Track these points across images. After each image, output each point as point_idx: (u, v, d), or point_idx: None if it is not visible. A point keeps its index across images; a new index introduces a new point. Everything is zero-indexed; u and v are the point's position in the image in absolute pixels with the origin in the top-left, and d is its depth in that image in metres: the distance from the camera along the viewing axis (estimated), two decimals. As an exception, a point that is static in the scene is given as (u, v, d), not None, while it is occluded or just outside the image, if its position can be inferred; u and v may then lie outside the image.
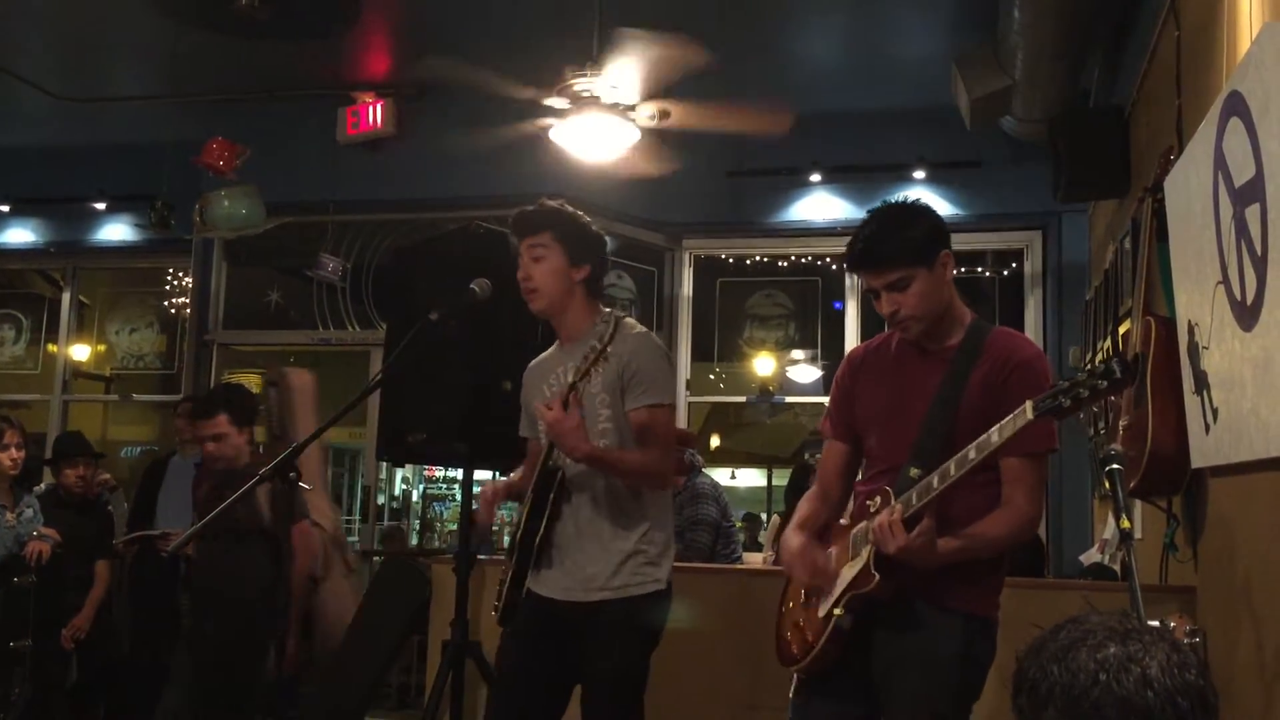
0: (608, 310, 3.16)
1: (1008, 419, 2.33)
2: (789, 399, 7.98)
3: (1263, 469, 2.68)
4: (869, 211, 2.68)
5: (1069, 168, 5.10)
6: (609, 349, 2.90)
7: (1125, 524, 2.50)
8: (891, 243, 2.58)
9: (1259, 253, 2.46)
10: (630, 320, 3.13)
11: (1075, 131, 5.15)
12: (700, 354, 7.72)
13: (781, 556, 2.77)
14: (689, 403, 7.63)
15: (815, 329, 7.65)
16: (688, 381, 7.60)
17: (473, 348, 3.63)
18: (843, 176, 7.13)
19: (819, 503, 2.82)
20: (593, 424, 3.00)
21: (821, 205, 7.27)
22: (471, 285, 3.07)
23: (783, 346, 7.80)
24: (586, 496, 3.03)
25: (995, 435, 2.35)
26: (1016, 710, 1.26)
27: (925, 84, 6.10)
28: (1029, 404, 2.28)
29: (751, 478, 15.62)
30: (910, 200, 2.73)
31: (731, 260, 7.71)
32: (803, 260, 7.57)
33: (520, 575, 3.05)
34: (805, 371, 7.87)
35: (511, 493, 3.25)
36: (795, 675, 2.70)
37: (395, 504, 11.78)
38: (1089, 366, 2.28)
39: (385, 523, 11.26)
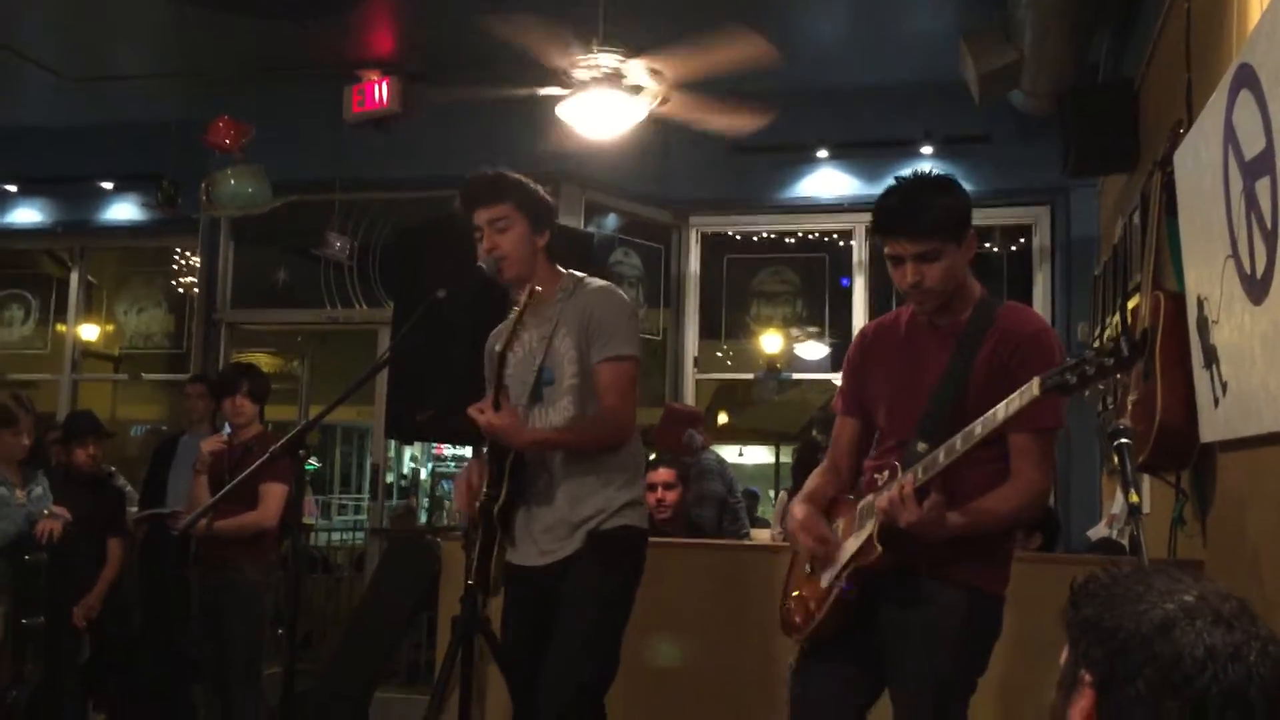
0: (568, 273, 3.19)
1: (1014, 395, 2.32)
2: (796, 376, 7.96)
3: (1272, 442, 2.68)
4: (899, 178, 2.64)
5: (1078, 142, 5.07)
6: (547, 309, 2.95)
7: (1134, 499, 2.50)
8: (931, 212, 2.54)
9: (1269, 226, 2.45)
10: (592, 278, 3.16)
11: (1084, 105, 5.11)
12: (708, 331, 7.72)
13: (787, 526, 2.78)
14: (696, 380, 7.63)
15: (822, 306, 7.63)
16: (695, 359, 7.60)
17: (479, 325, 3.63)
18: (850, 153, 7.11)
19: (829, 476, 2.83)
20: (560, 380, 3.05)
21: (829, 181, 7.25)
22: (478, 263, 3.07)
23: (790, 323, 7.79)
24: (541, 460, 3.06)
25: (1001, 411, 2.35)
26: (1090, 662, 1.20)
27: (932, 59, 6.06)
28: (1036, 381, 2.28)
29: (759, 454, 15.64)
30: (938, 174, 2.70)
31: (739, 237, 7.70)
32: (810, 237, 7.56)
33: (488, 545, 3.07)
34: (813, 348, 7.86)
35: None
36: (798, 645, 2.71)
37: (404, 482, 11.82)
38: (1097, 344, 2.26)
39: (395, 500, 11.31)
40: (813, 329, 7.75)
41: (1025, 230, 7.15)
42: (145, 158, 7.58)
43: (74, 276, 8.57)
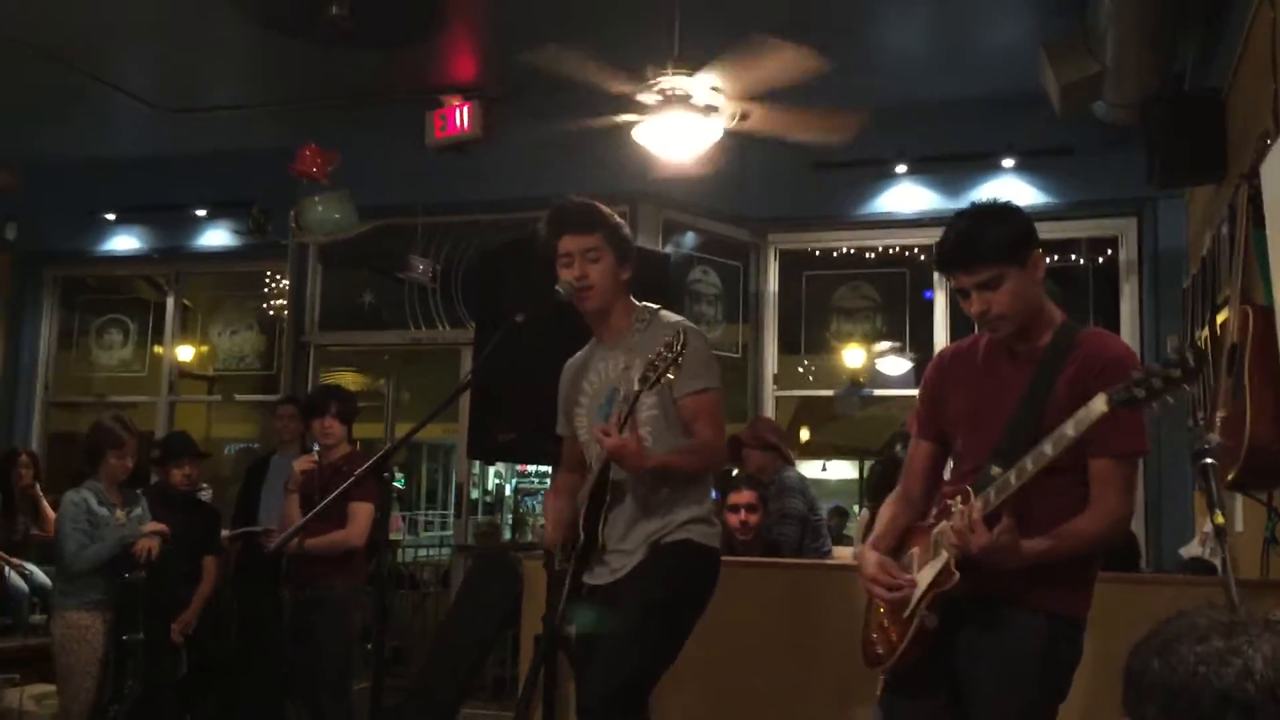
0: (642, 305, 3.22)
1: (1081, 410, 2.30)
2: (878, 392, 7.91)
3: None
4: (957, 212, 2.67)
5: (1163, 153, 4.99)
6: (630, 342, 3.01)
7: (1219, 520, 2.46)
8: (984, 241, 2.56)
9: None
10: (666, 312, 3.19)
11: (1169, 116, 5.03)
12: (787, 348, 7.70)
13: (860, 574, 2.77)
14: (776, 397, 7.62)
15: (903, 321, 7.58)
16: (775, 375, 7.59)
17: (559, 346, 3.68)
18: (930, 167, 7.06)
19: (900, 505, 2.82)
20: (638, 411, 3.06)
21: (908, 196, 7.21)
22: (556, 287, 3.12)
23: (870, 339, 7.75)
24: (630, 495, 3.11)
25: (1070, 429, 2.33)
26: (1126, 707, 1.23)
27: (1012, 71, 5.99)
28: (1102, 395, 2.25)
29: (843, 470, 15.52)
30: (999, 200, 2.72)
31: (818, 253, 7.68)
32: (890, 252, 7.51)
33: (582, 569, 3.13)
34: (895, 364, 7.80)
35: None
36: (881, 676, 2.70)
37: (489, 498, 11.95)
38: (1167, 357, 2.23)
39: (479, 517, 11.43)
40: (895, 344, 7.70)
41: (1111, 242, 7.03)
42: (237, 185, 7.83)
43: (170, 301, 8.85)
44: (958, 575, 2.48)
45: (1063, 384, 2.54)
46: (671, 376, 2.93)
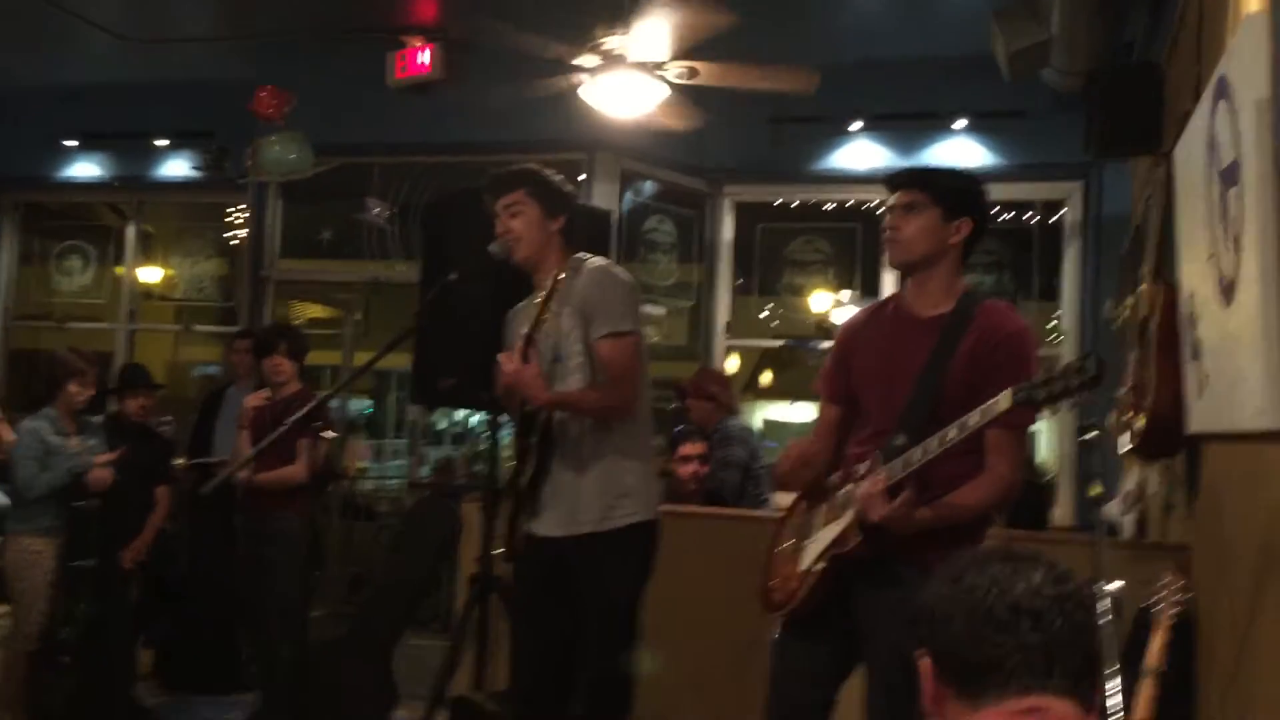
0: (576, 255, 3.34)
1: (989, 403, 2.47)
2: (824, 345, 8.06)
3: (1238, 440, 2.79)
4: None
5: (1101, 123, 5.09)
6: (560, 291, 3.13)
7: (1095, 490, 2.65)
8: (927, 173, 2.86)
9: (1236, 235, 2.55)
10: (594, 258, 3.32)
11: (1109, 87, 5.10)
12: (741, 297, 7.84)
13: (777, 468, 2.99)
14: (727, 345, 7.78)
15: (853, 275, 7.72)
16: (727, 324, 7.74)
17: (502, 297, 3.80)
18: (884, 125, 7.15)
19: (811, 452, 3.01)
20: (568, 360, 3.20)
21: (863, 153, 7.30)
22: (490, 247, 3.24)
23: (823, 290, 7.89)
24: (564, 436, 3.24)
25: (975, 417, 2.50)
26: (923, 643, 1.39)
27: (967, 33, 6.04)
28: (1008, 393, 2.42)
29: (809, 411, 15.71)
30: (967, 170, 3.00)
31: (774, 206, 7.79)
32: (845, 206, 7.63)
33: (516, 514, 3.28)
34: (850, 314, 7.92)
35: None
36: (779, 620, 2.89)
37: (457, 428, 12.03)
38: (1072, 362, 2.41)
39: (446, 448, 11.53)
40: (854, 292, 7.82)
41: (1058, 205, 7.17)
42: (199, 116, 7.83)
43: (131, 228, 8.86)
44: (859, 539, 2.66)
45: (961, 354, 2.71)
46: (546, 318, 3.07)
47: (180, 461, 6.17)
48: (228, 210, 8.66)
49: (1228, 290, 2.66)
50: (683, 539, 4.13)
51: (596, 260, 3.34)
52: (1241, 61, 2.45)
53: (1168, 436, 3.54)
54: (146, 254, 8.98)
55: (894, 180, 2.88)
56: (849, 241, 7.67)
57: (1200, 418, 3.19)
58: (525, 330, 3.12)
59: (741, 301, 7.88)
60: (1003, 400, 2.43)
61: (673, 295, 7.79)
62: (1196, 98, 3.74)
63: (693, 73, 5.15)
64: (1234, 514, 3.01)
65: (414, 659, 5.06)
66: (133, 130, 8.33)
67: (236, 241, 8.63)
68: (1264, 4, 2.42)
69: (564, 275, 3.27)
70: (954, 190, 2.83)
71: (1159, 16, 5.35)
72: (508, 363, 3.11)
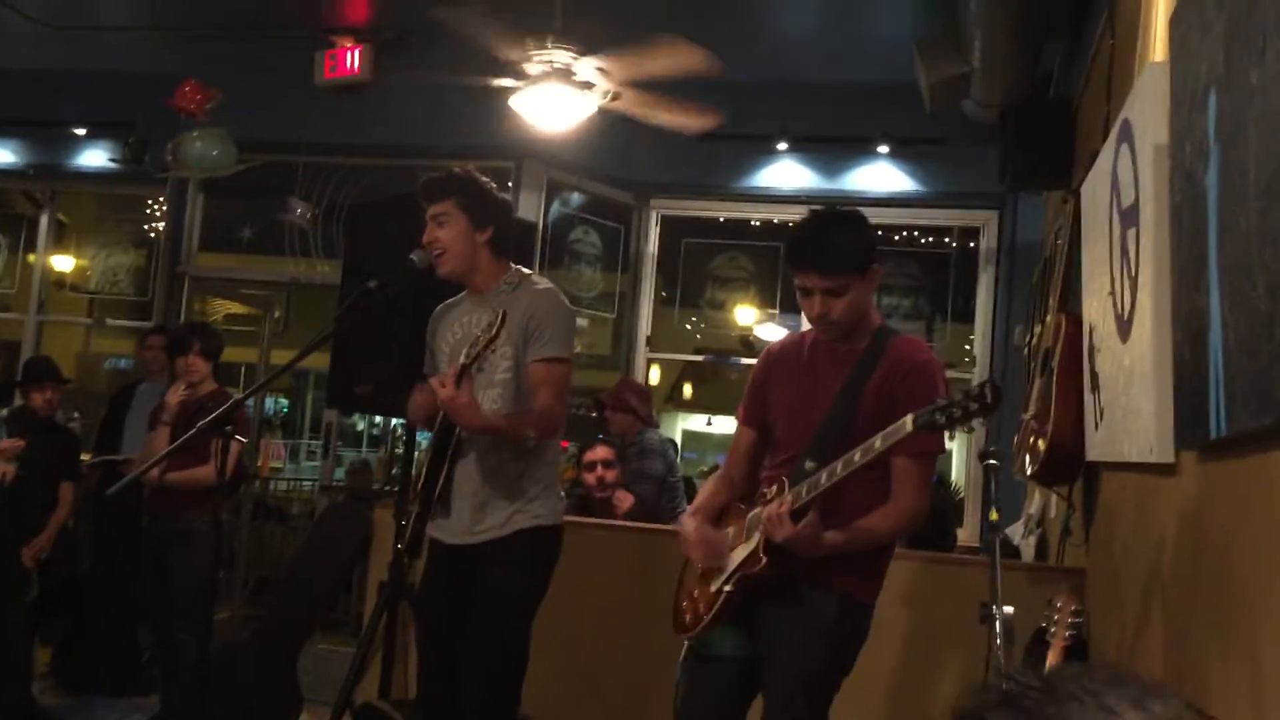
0: (515, 268, 3.35)
1: (891, 428, 2.53)
2: (745, 361, 8.17)
3: (1131, 469, 2.90)
4: (812, 211, 2.87)
5: (1015, 158, 5.25)
6: (496, 303, 3.12)
7: (994, 516, 2.73)
8: (838, 248, 2.75)
9: (1133, 274, 2.65)
10: (537, 276, 3.34)
11: (1024, 122, 5.29)
12: (663, 310, 7.90)
13: (680, 539, 2.97)
14: (648, 358, 7.84)
15: (775, 293, 7.83)
16: (648, 338, 7.79)
17: (421, 305, 3.80)
18: (809, 146, 7.28)
19: (722, 484, 3.04)
20: (491, 374, 3.21)
21: (787, 173, 7.42)
22: (411, 255, 3.24)
23: (743, 307, 7.99)
24: (476, 449, 3.25)
25: (878, 442, 2.56)
26: None
27: (891, 62, 6.17)
28: (910, 417, 2.49)
29: (728, 424, 15.80)
30: (847, 209, 2.92)
31: (698, 221, 7.87)
32: (771, 223, 7.73)
33: (424, 512, 3.29)
34: (773, 331, 8.05)
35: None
36: (686, 642, 2.93)
37: (375, 431, 11.93)
38: (972, 387, 2.48)
39: (362, 451, 11.44)
40: (772, 311, 7.94)
41: (975, 232, 7.35)
42: (118, 107, 7.69)
43: (44, 217, 8.67)
44: (765, 560, 2.71)
45: (872, 386, 2.78)
46: (491, 353, 3.09)
47: (87, 457, 6.04)
48: (147, 203, 8.52)
49: (1125, 326, 2.77)
50: (595, 551, 4.17)
51: (542, 281, 3.36)
52: (1144, 107, 2.56)
53: (1067, 463, 3.66)
54: (60, 244, 8.79)
55: (809, 265, 2.77)
56: (772, 259, 7.77)
57: (1097, 447, 3.30)
58: (463, 360, 3.10)
59: (664, 314, 7.94)
60: (906, 424, 2.50)
61: (595, 306, 7.82)
62: (1105, 137, 3.89)
63: (616, 97, 5.20)
64: (1125, 540, 3.13)
65: (320, 664, 5.03)
66: (50, 118, 8.15)
67: (154, 235, 8.50)
68: (1166, 53, 2.53)
69: (494, 282, 3.30)
70: (866, 251, 2.78)
71: (1074, 55, 5.52)
72: (441, 388, 3.09)
